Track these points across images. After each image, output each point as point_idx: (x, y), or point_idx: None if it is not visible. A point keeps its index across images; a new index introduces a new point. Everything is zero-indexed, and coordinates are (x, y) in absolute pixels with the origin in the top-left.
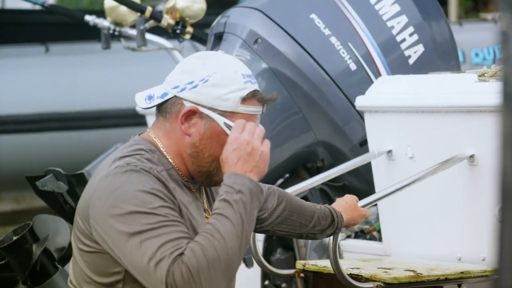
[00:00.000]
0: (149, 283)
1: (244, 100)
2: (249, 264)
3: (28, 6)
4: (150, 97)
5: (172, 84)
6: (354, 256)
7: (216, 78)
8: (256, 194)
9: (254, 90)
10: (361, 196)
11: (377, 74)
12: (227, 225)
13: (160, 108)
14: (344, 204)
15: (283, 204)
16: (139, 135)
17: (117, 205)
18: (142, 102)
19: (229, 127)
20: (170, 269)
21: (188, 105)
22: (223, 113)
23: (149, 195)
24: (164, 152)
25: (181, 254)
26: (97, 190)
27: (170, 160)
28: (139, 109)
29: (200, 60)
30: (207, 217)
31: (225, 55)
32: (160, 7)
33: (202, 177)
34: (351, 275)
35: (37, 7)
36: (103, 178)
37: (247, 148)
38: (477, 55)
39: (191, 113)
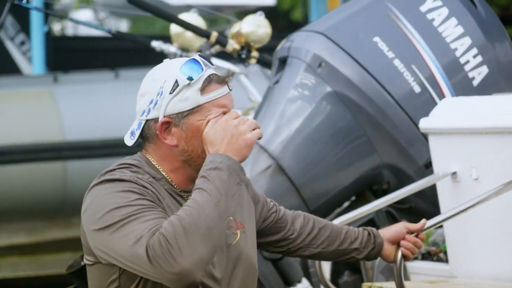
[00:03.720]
0: (136, 264)
1: (203, 89)
2: (316, 287)
3: (98, 33)
4: (132, 133)
5: (139, 112)
6: (421, 278)
7: (168, 86)
8: (235, 170)
9: (209, 76)
10: (427, 218)
11: (441, 96)
12: (204, 195)
13: (142, 137)
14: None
15: (311, 222)
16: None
17: (98, 210)
18: (128, 140)
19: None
20: (149, 242)
21: (159, 121)
22: (191, 111)
23: (125, 193)
24: (156, 165)
25: (159, 228)
26: (83, 205)
27: (162, 172)
28: None
29: (149, 78)
30: None
31: (170, 61)
32: (226, 32)
33: None
34: None
35: (107, 34)
36: (88, 193)
37: (234, 130)
38: None
39: (166, 125)
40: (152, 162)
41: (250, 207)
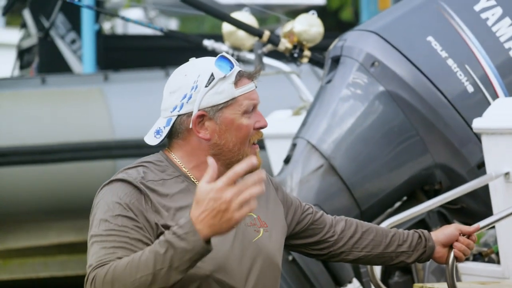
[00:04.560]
0: None
1: (236, 83)
2: (367, 287)
3: (148, 31)
4: (158, 132)
5: (170, 109)
6: (472, 279)
7: (203, 80)
8: (195, 249)
9: (239, 71)
10: (479, 219)
11: (495, 96)
12: (149, 258)
13: (170, 134)
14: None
15: (354, 226)
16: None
17: (94, 213)
18: (153, 140)
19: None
20: (88, 276)
21: (193, 115)
22: (226, 104)
23: (115, 204)
24: (177, 162)
25: (104, 264)
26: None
27: (183, 168)
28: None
29: (180, 75)
30: None
31: (198, 59)
32: (278, 31)
33: None
34: None
35: (158, 33)
36: (98, 192)
37: (222, 206)
38: None
39: (200, 118)
40: (174, 159)
41: (276, 209)
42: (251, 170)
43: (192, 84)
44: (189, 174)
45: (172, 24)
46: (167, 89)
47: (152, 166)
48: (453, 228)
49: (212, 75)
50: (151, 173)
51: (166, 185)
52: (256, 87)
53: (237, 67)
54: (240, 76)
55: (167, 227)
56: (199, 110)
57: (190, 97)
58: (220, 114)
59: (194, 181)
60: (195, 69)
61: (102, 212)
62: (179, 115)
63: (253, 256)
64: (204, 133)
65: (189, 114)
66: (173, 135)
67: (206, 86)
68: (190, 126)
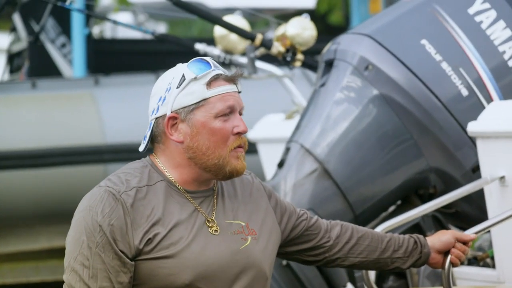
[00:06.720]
0: None
1: (209, 84)
2: None
3: (139, 35)
4: (144, 137)
5: (150, 113)
6: (467, 283)
7: (175, 82)
8: None
9: (217, 74)
10: (474, 223)
11: (489, 99)
12: None
13: (152, 139)
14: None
15: (349, 232)
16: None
17: (73, 227)
18: (141, 145)
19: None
20: None
21: (166, 117)
22: (197, 105)
23: (96, 227)
24: (161, 166)
25: None
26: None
27: (166, 173)
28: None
29: (160, 79)
30: (210, 227)
31: (182, 63)
32: (270, 34)
33: (212, 173)
34: None
35: (148, 37)
36: (83, 198)
37: None
38: None
39: (173, 121)
40: (158, 164)
41: (268, 216)
42: (235, 175)
43: (166, 86)
44: (171, 179)
45: (161, 28)
46: (151, 93)
47: (136, 172)
48: (449, 236)
49: (183, 76)
50: (134, 180)
51: (149, 191)
52: (240, 92)
53: (215, 69)
54: (215, 78)
55: (147, 235)
56: (171, 112)
57: (164, 99)
58: (191, 116)
59: (177, 185)
60: (172, 72)
61: (79, 232)
62: (156, 118)
63: (239, 264)
64: (177, 136)
65: (164, 117)
66: (154, 140)
67: (177, 87)
68: (164, 128)
